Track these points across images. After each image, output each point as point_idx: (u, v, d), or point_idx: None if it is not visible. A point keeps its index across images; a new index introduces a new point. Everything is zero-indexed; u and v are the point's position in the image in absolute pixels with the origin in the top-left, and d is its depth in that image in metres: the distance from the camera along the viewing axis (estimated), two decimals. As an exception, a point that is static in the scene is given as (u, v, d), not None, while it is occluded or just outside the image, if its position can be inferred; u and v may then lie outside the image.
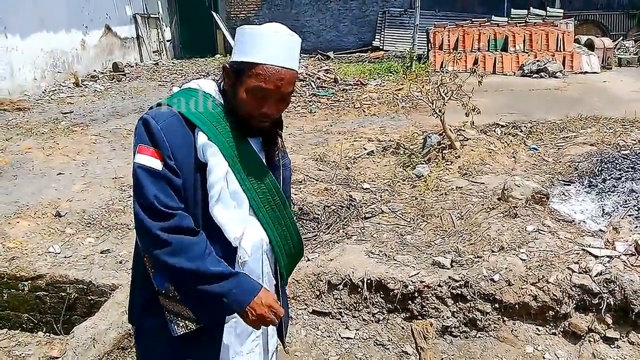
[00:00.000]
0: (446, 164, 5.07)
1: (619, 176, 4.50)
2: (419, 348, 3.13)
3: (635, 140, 5.51)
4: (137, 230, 1.61)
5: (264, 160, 1.72)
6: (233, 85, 1.63)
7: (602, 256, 3.34)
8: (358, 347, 3.27)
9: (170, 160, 1.56)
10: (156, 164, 1.55)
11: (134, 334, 1.91)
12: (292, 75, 1.62)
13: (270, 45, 1.58)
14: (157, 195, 1.54)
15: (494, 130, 6.05)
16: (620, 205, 4.02)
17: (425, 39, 11.95)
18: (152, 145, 1.56)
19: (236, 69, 1.61)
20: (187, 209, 1.61)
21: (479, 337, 3.23)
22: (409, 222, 4.07)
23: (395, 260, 3.54)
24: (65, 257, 3.94)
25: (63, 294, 3.69)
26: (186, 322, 1.66)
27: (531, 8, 12.83)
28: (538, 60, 10.26)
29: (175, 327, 1.66)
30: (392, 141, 5.94)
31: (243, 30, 1.63)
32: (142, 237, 1.60)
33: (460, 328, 3.25)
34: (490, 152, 5.27)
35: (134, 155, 1.59)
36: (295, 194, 4.57)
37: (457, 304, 3.27)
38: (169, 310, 1.66)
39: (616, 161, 4.85)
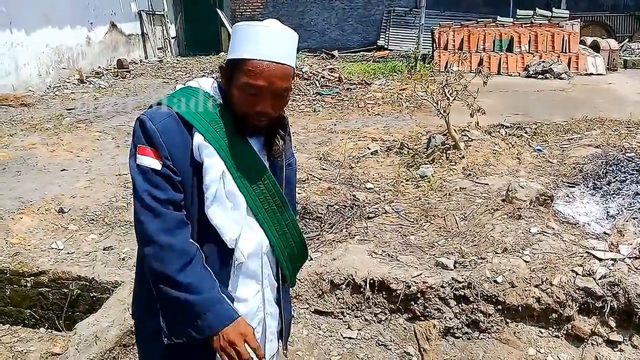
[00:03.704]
0: (450, 165, 5.05)
1: (624, 179, 4.47)
2: (421, 349, 3.13)
3: (640, 143, 5.48)
4: (135, 229, 1.61)
5: (265, 161, 1.69)
6: (227, 84, 1.61)
7: (607, 259, 3.33)
8: (360, 347, 3.26)
9: (168, 161, 1.55)
10: (156, 164, 1.55)
11: (135, 331, 1.90)
12: (285, 70, 1.56)
13: (259, 40, 1.54)
14: (150, 190, 1.54)
15: (499, 131, 6.03)
16: (625, 208, 4.00)
17: (430, 39, 11.91)
18: (149, 145, 1.55)
19: (229, 67, 1.59)
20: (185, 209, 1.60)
21: (482, 338, 3.22)
22: (412, 222, 4.06)
23: (398, 260, 3.53)
24: (68, 253, 3.95)
25: (65, 291, 3.70)
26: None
27: (537, 9, 12.77)
28: (543, 61, 10.22)
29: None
30: (396, 141, 5.92)
31: (237, 27, 1.60)
32: (138, 235, 1.60)
33: (462, 329, 3.24)
34: (495, 153, 5.25)
35: (135, 156, 1.58)
36: (299, 193, 4.56)
37: (460, 305, 3.26)
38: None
39: (621, 163, 4.82)
